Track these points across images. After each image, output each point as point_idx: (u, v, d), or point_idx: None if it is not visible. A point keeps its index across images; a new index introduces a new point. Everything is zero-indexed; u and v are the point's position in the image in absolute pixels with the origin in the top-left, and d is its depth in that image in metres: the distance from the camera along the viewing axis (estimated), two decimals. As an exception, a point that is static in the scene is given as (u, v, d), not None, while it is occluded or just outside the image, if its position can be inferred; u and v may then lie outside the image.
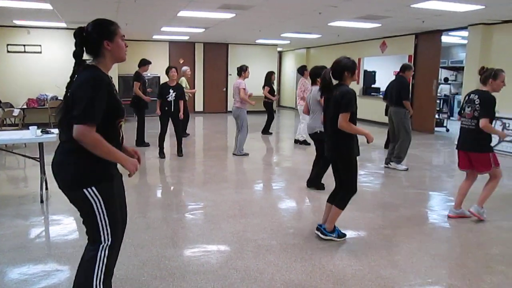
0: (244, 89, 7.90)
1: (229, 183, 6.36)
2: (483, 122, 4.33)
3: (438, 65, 11.92)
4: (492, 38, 9.97)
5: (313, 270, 3.39)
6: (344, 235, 4.05)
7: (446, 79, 15.45)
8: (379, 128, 11.59)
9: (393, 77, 8.25)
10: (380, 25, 10.53)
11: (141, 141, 9.01)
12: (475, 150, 4.53)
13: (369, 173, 7.08)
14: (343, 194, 3.93)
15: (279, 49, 19.13)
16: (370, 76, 15.24)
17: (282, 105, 20.02)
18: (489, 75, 4.47)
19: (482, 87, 4.51)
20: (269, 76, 10.84)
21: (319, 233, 4.01)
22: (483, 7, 7.78)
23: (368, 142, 3.82)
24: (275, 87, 11.30)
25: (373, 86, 15.09)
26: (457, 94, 14.76)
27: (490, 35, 9.98)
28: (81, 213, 2.41)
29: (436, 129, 12.17)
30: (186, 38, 15.17)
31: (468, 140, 4.58)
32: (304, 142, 9.50)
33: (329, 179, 5.16)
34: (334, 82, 3.91)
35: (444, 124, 12.90)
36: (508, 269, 3.48)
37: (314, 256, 3.68)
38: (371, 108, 13.34)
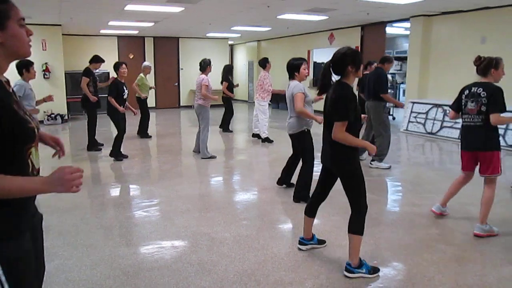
0: (207, 85, 7.35)
1: (182, 178, 6.35)
2: (494, 118, 3.84)
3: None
4: (432, 29, 10.45)
5: (265, 259, 3.49)
6: (377, 269, 3.27)
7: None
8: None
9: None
10: (327, 17, 10.78)
11: (92, 144, 8.30)
12: (485, 149, 3.96)
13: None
14: (355, 216, 3.23)
15: (230, 42, 19.13)
16: (319, 68, 15.50)
17: (234, 98, 20.05)
18: (490, 64, 4.01)
19: (483, 79, 4.03)
20: (227, 70, 10.39)
21: (346, 273, 3.21)
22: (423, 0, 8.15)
23: (369, 154, 3.40)
24: (234, 81, 10.72)
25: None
26: (402, 83, 15.37)
27: (430, 26, 10.46)
28: None
29: (383, 117, 12.62)
30: (135, 32, 14.86)
31: (476, 139, 4.01)
32: (267, 140, 9.10)
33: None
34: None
35: (391, 113, 13.40)
36: (446, 247, 3.72)
37: (267, 245, 3.77)
38: (322, 100, 13.63)
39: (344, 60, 3.06)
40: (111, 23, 11.96)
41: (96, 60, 8.28)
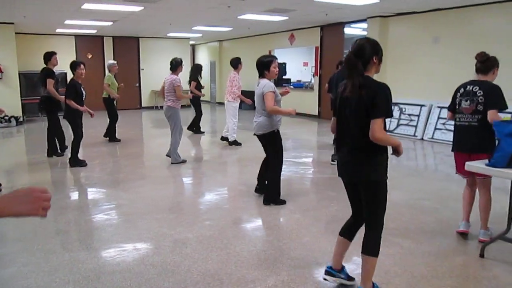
0: (179, 86, 6.95)
1: (145, 181, 6.27)
2: (492, 115, 3.61)
3: (342, 56, 12.60)
4: (388, 29, 10.78)
5: (228, 259, 3.51)
6: None
7: (338, 66, 16.45)
8: (291, 118, 12.02)
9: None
10: (287, 18, 10.91)
11: (55, 149, 7.82)
12: (479, 151, 3.69)
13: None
14: (373, 235, 2.81)
15: (191, 42, 19.03)
16: (281, 68, 15.62)
17: (203, 98, 19.94)
18: (494, 63, 3.87)
19: (481, 77, 3.85)
20: (196, 69, 10.18)
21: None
22: (378, 1, 8.39)
23: (398, 155, 2.95)
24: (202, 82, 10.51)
25: (284, 77, 15.57)
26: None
27: (387, 27, 10.79)
28: None
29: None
30: (93, 31, 14.52)
31: (470, 139, 3.81)
32: (235, 143, 8.81)
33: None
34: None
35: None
36: (402, 241, 3.87)
37: (229, 245, 3.80)
38: (283, 99, 13.76)
39: (371, 52, 2.72)
40: (67, 22, 11.63)
41: (49, 56, 7.67)
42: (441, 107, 9.17)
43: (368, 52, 2.69)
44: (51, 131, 7.83)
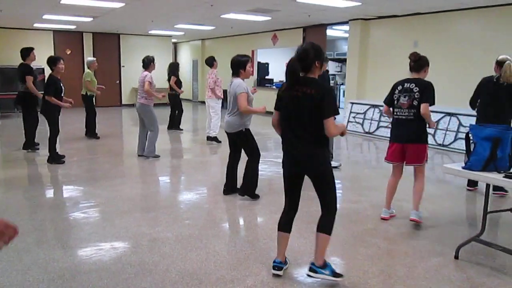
0: (150, 82, 7.12)
1: (124, 179, 6.20)
2: (424, 108, 4.10)
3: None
4: (369, 32, 10.91)
5: (207, 258, 3.50)
6: (341, 275, 3.14)
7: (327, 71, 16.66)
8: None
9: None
10: (270, 18, 10.93)
11: (31, 143, 7.84)
12: (415, 141, 4.23)
13: (263, 162, 7.38)
14: (330, 218, 3.11)
15: (173, 40, 18.88)
16: (263, 68, 15.72)
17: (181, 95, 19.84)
18: (426, 62, 4.31)
19: (415, 75, 4.28)
20: (173, 67, 10.27)
21: (309, 273, 3.13)
22: (360, 4, 8.48)
23: (343, 135, 3.25)
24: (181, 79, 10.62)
25: (266, 77, 15.61)
26: (342, 84, 15.89)
27: (368, 29, 10.91)
28: None
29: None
30: (73, 27, 14.28)
31: (407, 132, 4.25)
32: (215, 139, 8.88)
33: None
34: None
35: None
36: (380, 242, 3.91)
37: (209, 244, 3.78)
38: (266, 99, 13.79)
39: (313, 56, 2.95)
40: (45, 16, 11.40)
41: (27, 53, 7.71)
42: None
43: (311, 56, 2.94)
44: (29, 125, 7.75)
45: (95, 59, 9.68)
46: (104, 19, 11.94)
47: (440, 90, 8.73)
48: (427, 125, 4.27)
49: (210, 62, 8.93)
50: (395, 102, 4.31)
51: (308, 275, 3.13)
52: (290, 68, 2.97)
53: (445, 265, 3.44)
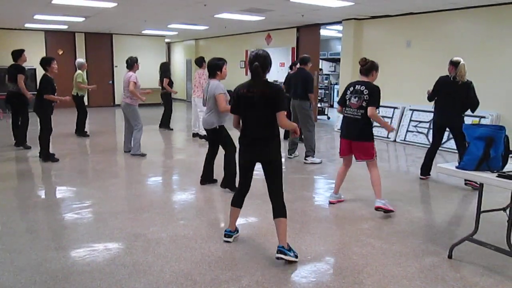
0: (135, 82, 7.30)
1: (117, 179, 6.17)
2: (371, 111, 4.47)
3: (318, 57, 12.73)
4: (363, 32, 10.94)
5: (202, 259, 3.48)
6: (297, 257, 3.48)
7: (320, 69, 16.67)
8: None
9: (285, 69, 8.66)
10: (264, 18, 10.93)
11: (23, 141, 8.03)
12: (360, 139, 4.65)
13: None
14: (281, 202, 3.52)
15: (167, 40, 18.82)
16: (257, 68, 15.72)
17: (172, 97, 19.80)
18: (373, 67, 4.68)
19: (364, 78, 4.65)
20: (166, 67, 10.61)
21: (280, 255, 3.38)
22: (353, 3, 8.50)
23: (295, 136, 3.77)
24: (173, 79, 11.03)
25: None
26: (336, 84, 15.93)
27: (361, 29, 10.94)
28: None
29: (318, 117, 13.04)
30: (64, 27, 14.17)
31: (354, 130, 4.66)
32: (205, 137, 8.75)
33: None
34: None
35: (325, 113, 13.86)
36: (375, 241, 3.92)
37: (204, 245, 3.77)
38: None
39: (266, 62, 3.47)
40: (36, 16, 11.29)
41: (20, 54, 7.92)
42: (414, 110, 9.36)
43: (268, 62, 3.48)
44: (22, 124, 7.99)
45: (84, 61, 10.08)
46: (97, 19, 11.87)
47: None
48: (386, 131, 4.82)
49: (200, 62, 9.13)
50: (347, 101, 4.71)
51: (279, 258, 3.40)
52: (256, 72, 3.42)
53: (439, 265, 3.46)
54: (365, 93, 4.53)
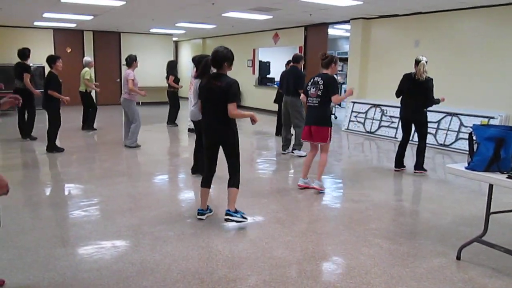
0: (133, 80, 7.75)
1: (124, 177, 6.18)
2: (335, 98, 5.16)
3: (326, 56, 12.68)
4: (370, 31, 10.88)
5: (209, 257, 3.48)
6: (246, 218, 4.23)
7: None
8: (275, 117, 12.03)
9: (284, 68, 8.71)
10: (271, 17, 10.90)
11: (29, 133, 8.61)
12: (317, 124, 5.25)
13: (264, 161, 7.38)
14: (237, 176, 4.17)
15: (174, 38, 18.85)
16: (264, 67, 15.72)
17: (179, 95, 19.86)
18: (331, 60, 5.22)
19: (324, 71, 5.24)
20: (172, 66, 10.99)
21: (227, 217, 4.13)
22: (362, 3, 8.45)
23: (253, 123, 4.17)
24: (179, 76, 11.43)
25: (268, 76, 15.59)
26: (343, 83, 15.86)
27: (369, 29, 10.89)
28: None
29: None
30: (73, 25, 14.23)
31: (313, 116, 5.30)
32: (193, 130, 9.40)
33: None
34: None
35: (333, 112, 13.82)
36: (382, 242, 3.90)
37: (211, 243, 3.77)
38: (266, 98, 13.79)
39: (223, 58, 3.96)
40: (46, 15, 11.36)
41: (25, 54, 8.49)
42: (421, 110, 9.29)
43: (220, 58, 3.96)
44: (29, 118, 8.54)
45: (91, 59, 10.49)
46: (105, 17, 11.91)
47: (441, 90, 8.80)
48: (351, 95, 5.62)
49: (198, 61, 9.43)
50: (308, 92, 5.32)
51: (226, 219, 4.12)
52: (205, 65, 4.18)
53: (447, 266, 3.43)
54: (320, 83, 5.16)
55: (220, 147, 4.17)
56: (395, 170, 6.59)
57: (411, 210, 4.79)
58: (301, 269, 3.32)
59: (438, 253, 3.68)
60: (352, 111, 10.91)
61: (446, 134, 8.63)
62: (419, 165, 6.42)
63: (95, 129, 10.08)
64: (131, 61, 7.94)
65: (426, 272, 3.32)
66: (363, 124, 10.49)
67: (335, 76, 5.33)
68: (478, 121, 7.82)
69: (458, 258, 3.55)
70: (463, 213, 4.82)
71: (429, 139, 8.87)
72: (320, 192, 5.34)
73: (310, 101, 5.31)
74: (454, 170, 3.46)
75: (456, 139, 8.47)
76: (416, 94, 6.14)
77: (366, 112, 10.55)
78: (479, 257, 3.57)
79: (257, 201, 5.06)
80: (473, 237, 3.61)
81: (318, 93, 5.18)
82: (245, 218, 4.21)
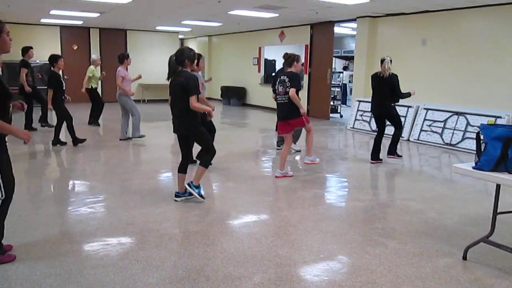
0: (123, 77, 8.13)
1: (130, 174, 6.20)
2: (291, 92, 5.53)
3: (331, 55, 12.66)
4: (377, 30, 10.84)
5: (214, 255, 3.49)
6: (204, 198, 4.79)
7: (345, 68, 16.51)
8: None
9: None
10: (277, 15, 10.89)
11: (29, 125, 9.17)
12: (292, 117, 5.68)
13: (270, 159, 7.37)
14: (207, 157, 4.76)
15: (180, 36, 18.85)
16: (270, 65, 15.69)
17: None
18: (293, 59, 5.66)
19: (288, 69, 5.71)
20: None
21: (185, 185, 4.74)
22: (368, 1, 8.42)
23: (209, 118, 4.96)
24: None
25: (273, 74, 15.54)
26: (349, 82, 15.82)
27: (376, 27, 10.85)
28: None
29: (331, 115, 12.97)
30: (79, 22, 14.29)
31: (283, 112, 5.75)
32: None
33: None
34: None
35: (338, 111, 13.79)
36: (388, 241, 3.88)
37: (216, 241, 3.77)
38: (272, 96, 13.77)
39: (184, 57, 4.43)
40: (52, 12, 11.41)
41: (26, 50, 9.00)
42: (428, 109, 9.25)
43: (183, 56, 4.43)
44: (30, 110, 8.98)
45: (96, 57, 10.69)
46: (111, 15, 11.94)
47: (447, 89, 8.74)
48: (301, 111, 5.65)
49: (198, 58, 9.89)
50: (277, 90, 5.79)
51: (185, 188, 4.73)
52: (172, 64, 4.49)
53: (453, 266, 3.41)
54: (286, 81, 5.59)
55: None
56: (372, 163, 6.94)
57: (416, 210, 4.77)
58: (306, 268, 3.31)
59: (444, 253, 3.66)
60: (357, 110, 10.88)
61: (453, 134, 8.58)
62: (391, 151, 7.09)
63: (99, 125, 10.35)
64: (123, 58, 8.34)
65: (432, 272, 3.30)
66: (369, 123, 10.45)
67: (298, 73, 5.75)
68: (485, 121, 7.77)
69: (465, 258, 3.53)
70: (469, 213, 4.80)
71: (435, 138, 8.86)
72: (315, 164, 6.01)
73: (279, 99, 5.73)
74: (461, 169, 3.44)
75: (463, 139, 8.42)
76: (381, 90, 6.66)
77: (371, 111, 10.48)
78: (485, 257, 3.55)
79: (262, 199, 5.06)
80: (479, 237, 3.59)
81: (287, 89, 5.59)
82: (202, 198, 4.76)
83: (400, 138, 7.11)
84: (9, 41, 3.08)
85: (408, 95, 6.73)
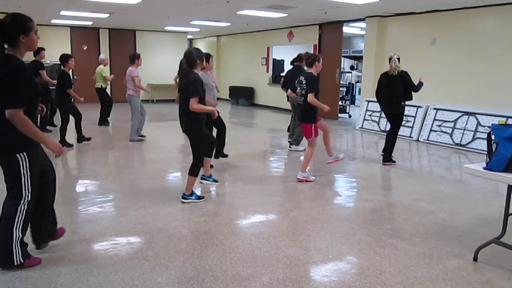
0: (137, 76, 8.15)
1: (139, 173, 6.23)
2: (310, 97, 5.40)
3: (340, 54, 12.62)
4: (386, 29, 10.79)
5: (223, 255, 3.49)
6: (202, 197, 4.84)
7: (352, 67, 16.42)
8: (289, 115, 12.00)
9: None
10: (286, 15, 10.88)
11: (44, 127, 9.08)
12: (301, 121, 5.70)
13: (278, 159, 7.36)
14: (197, 164, 4.65)
15: (189, 36, 18.92)
16: (278, 65, 15.68)
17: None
18: (315, 59, 5.53)
19: (308, 69, 5.58)
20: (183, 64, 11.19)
21: (182, 200, 4.74)
22: (377, 0, 8.38)
23: (213, 117, 4.98)
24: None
25: (281, 74, 15.53)
26: (358, 82, 15.75)
27: (385, 27, 10.79)
28: (6, 173, 2.96)
29: (339, 115, 12.93)
30: (89, 23, 14.39)
31: (299, 113, 5.72)
32: None
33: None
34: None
35: (347, 111, 13.74)
36: (397, 242, 3.86)
37: (225, 241, 3.77)
38: (280, 96, 13.76)
39: (195, 57, 4.51)
40: (63, 12, 11.50)
41: (38, 52, 9.04)
42: (437, 109, 9.18)
43: (192, 58, 4.50)
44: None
45: (104, 56, 10.74)
46: (121, 15, 12.01)
47: (457, 89, 8.68)
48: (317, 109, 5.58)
49: (207, 58, 9.93)
50: (296, 91, 5.74)
51: (182, 202, 4.71)
52: (182, 65, 4.45)
53: (464, 267, 3.39)
54: (303, 82, 5.51)
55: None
56: (384, 165, 6.86)
57: (426, 210, 4.74)
58: (315, 268, 3.31)
59: (454, 254, 3.63)
60: (366, 110, 10.83)
61: (463, 134, 8.51)
62: (387, 158, 6.88)
63: (108, 124, 10.45)
64: (134, 58, 8.35)
65: (442, 273, 3.28)
66: (378, 123, 10.40)
67: (316, 75, 5.63)
68: (495, 120, 7.68)
69: (475, 259, 3.50)
70: (480, 214, 4.75)
71: (445, 138, 8.79)
72: (306, 182, 5.70)
73: (298, 100, 5.71)
74: (472, 170, 3.41)
75: (473, 139, 8.34)
76: (393, 88, 6.57)
77: (380, 111, 10.43)
78: (496, 258, 3.52)
79: (270, 199, 5.05)
80: (490, 238, 3.55)
81: (302, 92, 5.52)
82: (202, 198, 4.82)
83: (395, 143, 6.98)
84: (36, 39, 3.04)
85: (421, 85, 6.67)
